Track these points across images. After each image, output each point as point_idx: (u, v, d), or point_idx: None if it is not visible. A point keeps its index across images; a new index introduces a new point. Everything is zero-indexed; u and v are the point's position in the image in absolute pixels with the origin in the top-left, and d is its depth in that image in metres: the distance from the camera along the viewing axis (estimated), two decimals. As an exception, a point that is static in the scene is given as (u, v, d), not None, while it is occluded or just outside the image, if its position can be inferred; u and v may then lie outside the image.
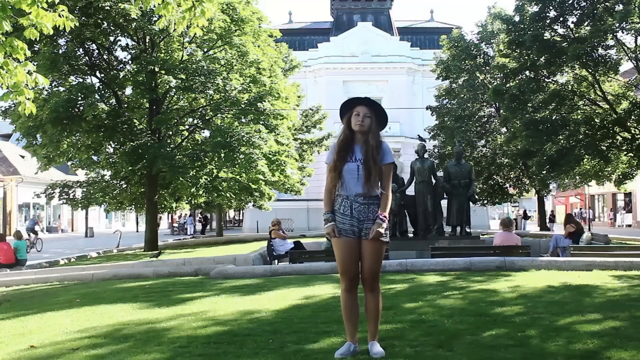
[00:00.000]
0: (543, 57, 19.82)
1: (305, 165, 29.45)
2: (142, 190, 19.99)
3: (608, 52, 19.50)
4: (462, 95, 27.81)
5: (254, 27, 19.36)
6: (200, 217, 41.81)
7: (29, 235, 25.56)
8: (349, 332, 3.93)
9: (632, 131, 19.41)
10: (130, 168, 17.79)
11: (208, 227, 42.00)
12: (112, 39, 19.12)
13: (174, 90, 18.25)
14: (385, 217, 3.86)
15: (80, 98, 17.15)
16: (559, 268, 7.88)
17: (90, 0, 16.13)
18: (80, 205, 20.88)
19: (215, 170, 18.58)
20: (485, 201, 28.85)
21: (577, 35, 19.46)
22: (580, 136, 19.84)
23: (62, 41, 17.69)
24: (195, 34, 6.66)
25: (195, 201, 22.18)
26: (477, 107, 27.94)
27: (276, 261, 12.43)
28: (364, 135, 3.92)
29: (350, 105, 4.00)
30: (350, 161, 3.88)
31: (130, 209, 23.18)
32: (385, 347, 3.92)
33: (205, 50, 19.25)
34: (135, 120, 18.93)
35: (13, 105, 17.66)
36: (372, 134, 3.92)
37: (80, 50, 18.54)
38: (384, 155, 3.92)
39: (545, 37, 19.70)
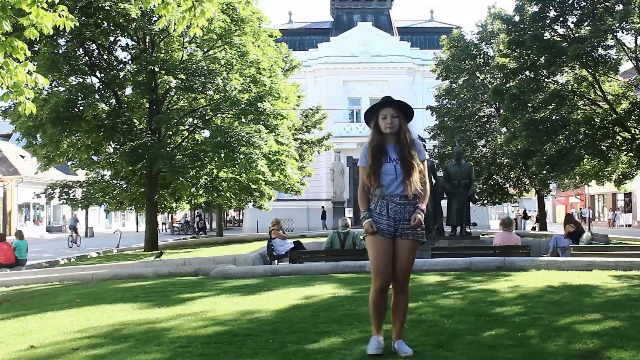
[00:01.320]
0: (543, 57, 19.79)
1: (305, 165, 29.44)
2: (142, 190, 19.98)
3: (608, 52, 19.47)
4: (462, 95, 27.78)
5: (254, 27, 19.35)
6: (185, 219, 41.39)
7: (71, 233, 27.16)
8: (377, 326, 3.92)
9: (632, 131, 19.38)
10: (130, 168, 17.77)
11: (208, 226, 41.86)
12: (112, 39, 19.11)
13: (174, 90, 18.25)
14: (423, 209, 3.87)
15: (80, 98, 17.15)
16: (559, 268, 7.88)
17: (90, 0, 16.11)
18: (80, 205, 20.88)
19: (215, 170, 18.56)
20: (485, 201, 28.83)
21: (577, 35, 19.43)
22: (580, 136, 19.82)
23: (62, 41, 17.67)
24: (195, 34, 6.65)
25: (195, 201, 22.17)
26: (477, 107, 27.91)
27: (276, 261, 12.42)
28: (395, 135, 3.92)
29: (374, 110, 4.00)
30: (386, 162, 3.88)
31: (130, 209, 23.18)
32: (385, 347, 3.92)
33: (205, 50, 19.24)
34: (135, 120, 18.92)
35: (13, 105, 17.64)
36: (402, 132, 3.93)
37: (80, 50, 18.53)
38: (418, 152, 3.93)
39: (545, 37, 19.67)
